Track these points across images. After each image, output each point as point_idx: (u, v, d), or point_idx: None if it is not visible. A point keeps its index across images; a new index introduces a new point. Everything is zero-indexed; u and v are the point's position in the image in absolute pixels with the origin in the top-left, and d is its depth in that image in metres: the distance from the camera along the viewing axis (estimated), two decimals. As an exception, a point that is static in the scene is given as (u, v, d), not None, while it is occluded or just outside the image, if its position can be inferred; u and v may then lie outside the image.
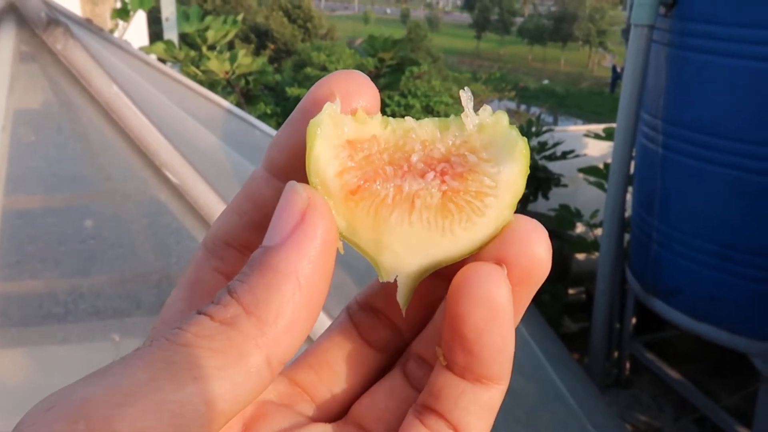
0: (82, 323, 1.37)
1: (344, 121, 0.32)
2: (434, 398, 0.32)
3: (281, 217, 0.30)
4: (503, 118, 0.32)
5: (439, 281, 0.35)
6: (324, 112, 0.31)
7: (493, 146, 0.32)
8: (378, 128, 0.33)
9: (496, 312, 0.30)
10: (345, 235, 0.32)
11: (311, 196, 0.30)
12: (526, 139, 0.32)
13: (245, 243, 0.36)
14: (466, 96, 0.33)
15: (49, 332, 1.35)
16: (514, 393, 2.06)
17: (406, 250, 0.32)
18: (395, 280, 0.33)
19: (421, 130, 0.33)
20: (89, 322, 1.37)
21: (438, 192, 0.32)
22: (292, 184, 0.31)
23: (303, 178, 0.32)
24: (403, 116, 0.34)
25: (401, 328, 0.37)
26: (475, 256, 0.32)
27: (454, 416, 0.32)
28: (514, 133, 0.32)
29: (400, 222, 0.32)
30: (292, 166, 0.33)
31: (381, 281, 0.33)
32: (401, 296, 0.33)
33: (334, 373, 0.37)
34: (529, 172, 0.32)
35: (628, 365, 3.49)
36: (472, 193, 0.32)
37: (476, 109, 0.33)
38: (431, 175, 0.32)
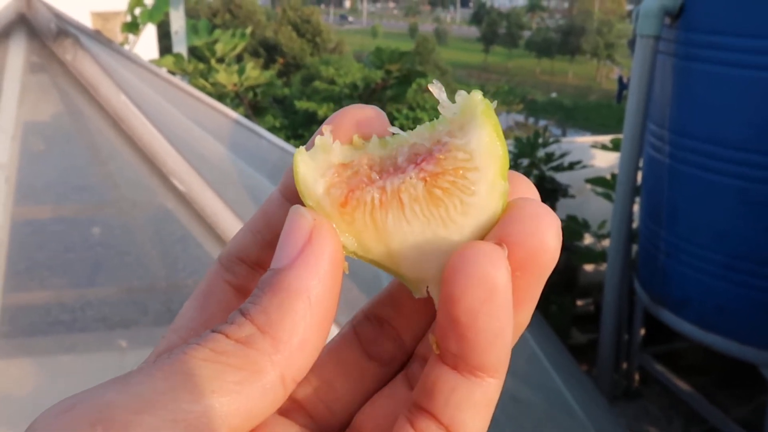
0: (89, 331, 1.37)
1: (336, 148, 0.33)
2: (426, 395, 0.31)
3: (288, 239, 0.31)
4: (476, 94, 0.32)
5: None
6: (316, 144, 0.32)
7: (466, 123, 0.32)
8: (376, 148, 0.33)
9: (492, 293, 0.28)
10: (360, 255, 0.32)
11: (316, 217, 0.31)
12: (488, 102, 0.31)
13: (256, 260, 0.37)
14: (437, 88, 0.32)
15: (56, 341, 1.36)
16: (522, 404, 2.05)
17: (418, 254, 0.31)
18: (427, 291, 0.32)
19: (413, 137, 0.33)
20: (96, 331, 1.38)
21: (419, 181, 0.31)
22: (297, 208, 0.32)
23: None
24: (412, 129, 0.34)
25: (405, 340, 0.37)
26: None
27: (446, 415, 0.30)
28: (478, 97, 0.31)
29: (398, 224, 0.31)
30: None
31: (416, 297, 0.33)
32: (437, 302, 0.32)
33: (334, 389, 0.36)
34: (502, 132, 0.31)
35: (636, 377, 3.46)
36: (450, 171, 0.31)
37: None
38: (411, 168, 0.32)
